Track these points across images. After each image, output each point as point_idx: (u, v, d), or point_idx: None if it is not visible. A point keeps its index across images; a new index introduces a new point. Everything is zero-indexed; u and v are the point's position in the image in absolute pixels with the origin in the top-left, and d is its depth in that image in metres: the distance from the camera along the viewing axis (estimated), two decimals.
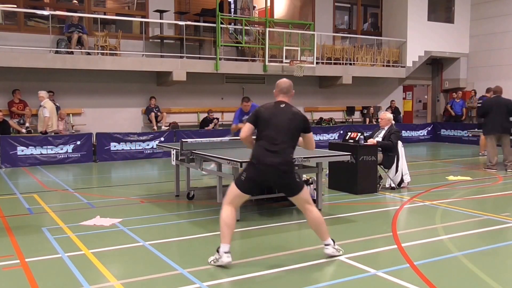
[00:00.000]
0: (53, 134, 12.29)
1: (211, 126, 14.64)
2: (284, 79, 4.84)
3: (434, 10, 18.30)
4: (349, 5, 19.05)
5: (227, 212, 4.55)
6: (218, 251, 4.51)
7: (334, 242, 4.76)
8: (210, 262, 4.53)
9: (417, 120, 19.72)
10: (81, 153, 12.51)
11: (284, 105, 4.67)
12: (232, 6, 16.73)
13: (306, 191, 4.70)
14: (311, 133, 4.75)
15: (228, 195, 4.62)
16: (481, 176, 10.14)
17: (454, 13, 18.65)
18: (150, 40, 14.71)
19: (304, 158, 6.25)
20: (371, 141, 8.32)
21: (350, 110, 18.26)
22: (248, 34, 15.46)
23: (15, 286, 4.13)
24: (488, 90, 12.78)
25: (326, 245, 4.71)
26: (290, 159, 4.60)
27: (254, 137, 4.69)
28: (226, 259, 4.44)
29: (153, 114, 14.19)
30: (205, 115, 14.97)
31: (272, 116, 4.60)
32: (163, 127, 14.31)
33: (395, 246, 5.15)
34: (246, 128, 4.65)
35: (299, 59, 14.93)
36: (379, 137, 8.55)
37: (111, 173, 11.27)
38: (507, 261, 4.78)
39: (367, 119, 17.88)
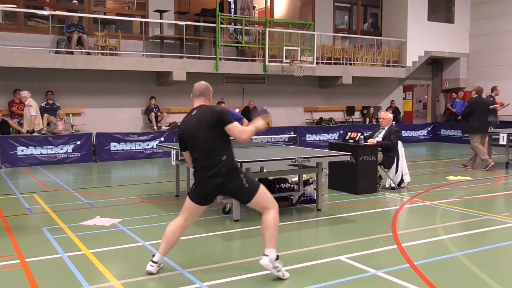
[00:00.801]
0: (41, 133, 12.36)
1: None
2: (197, 83, 4.45)
3: (434, 10, 18.29)
4: (349, 5, 19.05)
5: (173, 223, 4.44)
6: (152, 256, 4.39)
7: (278, 258, 4.20)
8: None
9: (417, 120, 19.72)
10: (81, 153, 12.51)
11: (195, 111, 4.26)
12: (232, 6, 16.74)
13: (262, 195, 4.24)
14: (232, 123, 4.11)
15: (184, 205, 4.47)
16: (481, 176, 10.14)
17: (454, 13, 18.64)
18: (150, 40, 14.71)
19: (304, 158, 6.25)
20: (371, 141, 8.32)
21: (350, 110, 18.26)
22: (248, 34, 15.46)
23: (15, 286, 4.13)
24: (492, 90, 12.89)
25: (265, 255, 4.18)
26: (226, 167, 4.12)
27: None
28: (148, 267, 4.31)
29: (153, 114, 14.19)
30: None
31: (188, 129, 4.24)
32: (163, 127, 14.31)
33: (395, 246, 5.15)
34: (185, 156, 4.50)
35: (299, 59, 14.93)
36: (379, 137, 8.55)
37: (111, 173, 11.27)
38: (507, 261, 4.78)
39: (367, 119, 17.88)
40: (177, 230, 4.38)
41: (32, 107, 12.00)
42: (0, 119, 12.14)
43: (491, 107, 12.05)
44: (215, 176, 4.13)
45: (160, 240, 5.40)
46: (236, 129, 4.11)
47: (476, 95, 11.35)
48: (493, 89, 12.98)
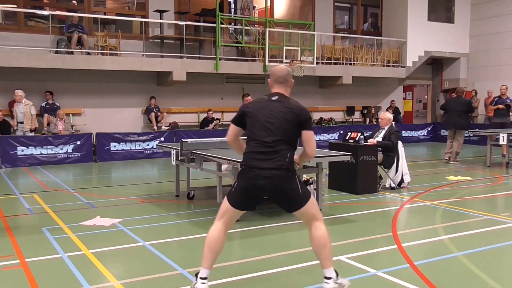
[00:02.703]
0: (41, 132, 12.44)
1: (211, 126, 14.64)
2: (281, 66, 4.00)
3: (434, 10, 18.29)
4: (349, 5, 19.05)
5: (213, 231, 3.82)
6: (196, 276, 3.76)
7: (337, 275, 3.78)
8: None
9: (417, 120, 19.73)
10: (81, 153, 12.51)
11: (277, 97, 3.81)
12: (232, 6, 16.74)
13: (313, 204, 3.81)
14: (311, 131, 3.75)
15: (220, 209, 3.87)
16: (481, 176, 10.14)
17: (454, 13, 18.64)
18: (150, 40, 14.71)
19: None
20: (371, 141, 8.32)
21: (350, 110, 18.26)
22: (248, 34, 15.46)
23: (15, 286, 4.13)
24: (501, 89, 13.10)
25: (326, 278, 3.74)
26: (286, 164, 3.66)
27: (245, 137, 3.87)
28: (200, 286, 3.66)
29: (153, 114, 14.19)
30: (205, 115, 14.97)
31: (260, 112, 3.74)
32: (163, 127, 14.31)
33: (395, 246, 5.15)
34: (230, 130, 3.88)
35: (299, 59, 14.92)
36: (379, 137, 8.55)
37: (111, 173, 11.27)
38: (507, 261, 4.78)
39: (367, 119, 17.88)
40: (218, 236, 3.84)
41: (33, 106, 12.06)
42: (0, 118, 12.15)
43: (492, 107, 12.41)
44: (274, 170, 3.64)
45: (160, 240, 5.42)
46: (312, 138, 3.78)
47: (456, 95, 12.32)
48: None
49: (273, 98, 3.82)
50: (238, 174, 3.82)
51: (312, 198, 3.83)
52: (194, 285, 3.71)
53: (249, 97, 9.47)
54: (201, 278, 3.67)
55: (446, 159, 12.03)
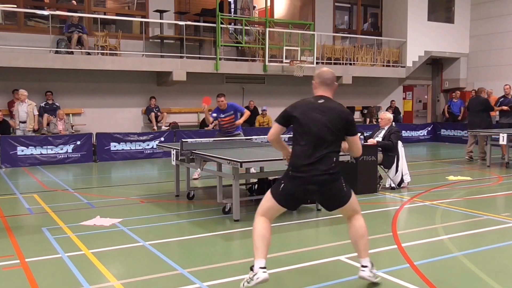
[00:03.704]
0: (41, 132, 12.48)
1: (211, 126, 14.63)
2: (326, 69, 3.97)
3: (434, 10, 18.30)
4: (349, 5, 19.06)
5: (260, 223, 3.82)
6: (252, 269, 3.74)
7: (373, 265, 4.02)
8: (243, 283, 3.75)
9: (417, 120, 19.72)
10: (81, 153, 12.51)
11: (323, 100, 3.83)
12: (232, 6, 16.74)
13: (355, 199, 3.97)
14: (357, 135, 3.89)
15: (262, 205, 3.89)
16: (481, 176, 10.14)
17: (454, 13, 18.65)
18: (150, 40, 14.71)
19: None
20: (371, 141, 8.32)
21: (350, 110, 18.21)
22: (248, 34, 15.46)
23: (15, 286, 4.13)
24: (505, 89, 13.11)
25: (362, 266, 3.96)
26: (334, 166, 3.75)
27: (290, 135, 3.96)
28: (262, 274, 3.66)
29: (153, 114, 14.19)
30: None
31: (308, 115, 3.77)
32: (163, 127, 14.31)
33: (395, 246, 5.15)
34: (273, 129, 3.93)
35: (299, 59, 14.93)
36: (379, 137, 8.55)
37: (111, 173, 11.27)
38: (507, 261, 4.78)
39: (367, 119, 17.88)
40: (268, 228, 3.87)
41: (35, 106, 12.10)
42: (0, 118, 12.15)
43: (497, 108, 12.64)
44: (324, 174, 3.74)
45: (160, 240, 5.42)
46: (359, 142, 3.96)
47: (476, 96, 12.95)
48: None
49: (320, 101, 3.85)
50: (285, 176, 3.86)
51: (353, 194, 3.98)
52: (253, 277, 3.69)
53: (222, 97, 9.38)
54: (260, 267, 3.70)
55: (467, 158, 12.35)
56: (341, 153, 3.94)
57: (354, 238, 4.01)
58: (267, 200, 3.89)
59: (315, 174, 3.71)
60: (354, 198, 3.95)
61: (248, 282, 3.72)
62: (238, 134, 9.66)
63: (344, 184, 3.86)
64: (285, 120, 3.90)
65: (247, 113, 9.78)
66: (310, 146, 3.74)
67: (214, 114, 9.39)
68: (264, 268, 3.71)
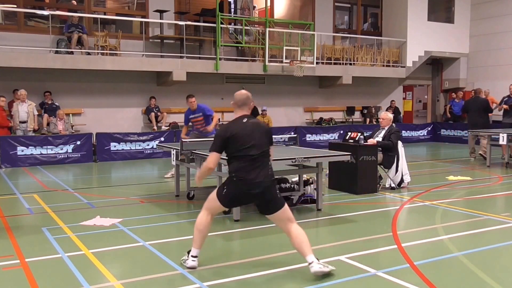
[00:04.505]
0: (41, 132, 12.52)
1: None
2: (241, 91, 4.65)
3: (434, 10, 18.30)
4: (349, 5, 19.06)
5: (202, 217, 4.46)
6: (188, 253, 4.49)
7: (317, 259, 4.29)
8: (181, 261, 4.55)
9: (417, 120, 19.73)
10: (81, 153, 12.51)
11: (246, 119, 4.48)
12: (232, 6, 16.74)
13: (287, 207, 4.43)
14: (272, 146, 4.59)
15: (208, 202, 4.49)
16: (481, 176, 10.14)
17: (454, 13, 18.65)
18: (150, 40, 14.72)
19: (304, 158, 6.25)
20: (371, 141, 8.32)
21: (350, 110, 18.26)
22: (248, 34, 15.47)
23: (15, 286, 4.13)
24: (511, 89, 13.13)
25: (310, 263, 4.22)
26: (271, 171, 4.42)
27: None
28: (190, 262, 4.40)
29: (153, 114, 14.19)
30: None
31: (244, 132, 4.37)
32: (163, 127, 14.32)
33: (395, 246, 5.15)
34: (213, 159, 4.43)
35: (299, 59, 14.93)
36: (379, 137, 8.55)
37: (111, 173, 11.27)
38: (507, 261, 4.78)
39: (367, 119, 17.88)
40: (207, 223, 4.52)
41: (35, 106, 12.14)
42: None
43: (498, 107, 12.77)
44: (266, 179, 4.35)
45: (160, 240, 5.43)
46: None
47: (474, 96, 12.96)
48: None
49: (244, 120, 4.48)
50: (229, 182, 4.40)
51: (286, 204, 4.44)
52: (185, 261, 4.46)
53: (193, 98, 9.50)
54: (192, 256, 4.43)
55: (472, 159, 12.53)
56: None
57: (298, 244, 4.34)
58: (212, 199, 4.52)
59: (259, 179, 4.31)
60: (287, 207, 4.43)
61: (182, 262, 4.52)
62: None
63: (278, 192, 4.42)
64: (222, 145, 4.44)
65: (215, 117, 9.89)
66: (252, 157, 4.34)
67: (187, 113, 9.65)
68: (196, 257, 4.43)
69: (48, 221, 6.31)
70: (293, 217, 4.44)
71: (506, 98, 12.83)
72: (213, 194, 4.48)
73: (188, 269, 4.41)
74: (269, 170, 4.39)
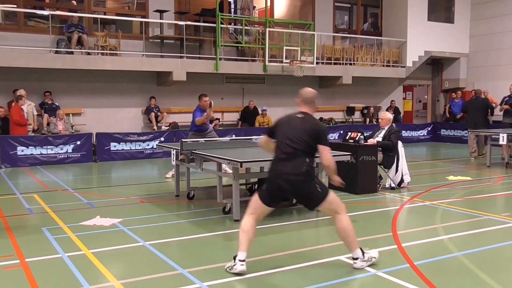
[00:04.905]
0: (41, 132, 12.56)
1: (211, 126, 14.63)
2: (309, 89, 4.63)
3: (434, 10, 18.29)
4: (349, 5, 19.05)
5: (245, 221, 4.45)
6: (234, 258, 4.37)
7: (363, 253, 4.44)
8: (226, 268, 4.39)
9: (417, 120, 19.72)
10: (81, 153, 12.51)
11: (302, 115, 4.47)
12: (232, 6, 16.73)
13: (332, 200, 4.42)
14: (327, 147, 4.40)
15: (250, 205, 4.50)
16: (481, 176, 10.14)
17: (454, 13, 18.64)
18: (150, 40, 14.71)
19: None
20: (371, 141, 8.32)
21: (350, 110, 18.26)
22: (248, 34, 15.46)
23: (15, 286, 4.13)
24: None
25: (354, 258, 4.42)
26: (302, 167, 4.31)
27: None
28: (239, 267, 4.28)
29: (153, 114, 14.19)
30: None
31: (286, 124, 4.46)
32: (163, 127, 14.31)
33: (395, 246, 5.15)
34: (262, 139, 4.68)
35: (299, 59, 14.92)
36: (379, 137, 8.55)
37: (111, 173, 11.27)
38: (507, 261, 4.78)
39: (367, 119, 17.88)
40: (251, 225, 4.52)
41: (34, 106, 12.13)
42: (2, 115, 12.17)
43: (500, 107, 12.87)
44: (291, 173, 4.32)
45: (160, 240, 5.43)
46: (328, 153, 4.42)
47: (474, 96, 13.06)
48: None
49: (298, 116, 4.49)
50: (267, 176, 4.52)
51: (331, 196, 4.44)
52: (232, 267, 4.32)
53: (207, 97, 9.44)
54: (240, 260, 4.30)
55: (472, 159, 12.67)
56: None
57: (341, 236, 4.48)
58: (254, 200, 4.52)
59: (284, 172, 4.36)
60: (331, 199, 4.43)
61: (229, 269, 4.36)
62: (211, 131, 9.87)
63: (317, 186, 4.40)
64: (270, 130, 4.61)
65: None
66: (282, 149, 4.41)
67: (198, 114, 9.59)
68: (243, 261, 4.29)
69: (48, 221, 6.31)
70: (340, 208, 4.44)
71: (507, 98, 12.82)
72: (254, 195, 4.54)
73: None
74: (302, 167, 4.30)
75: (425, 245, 5.25)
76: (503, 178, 9.82)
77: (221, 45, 14.37)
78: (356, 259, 4.40)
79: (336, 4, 18.22)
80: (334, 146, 8.40)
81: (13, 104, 12.04)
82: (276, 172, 4.36)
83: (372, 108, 18.06)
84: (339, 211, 4.43)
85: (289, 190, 4.36)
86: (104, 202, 7.55)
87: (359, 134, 8.23)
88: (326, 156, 4.39)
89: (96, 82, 13.89)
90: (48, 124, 12.82)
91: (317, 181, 4.44)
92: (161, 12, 14.43)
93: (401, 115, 18.84)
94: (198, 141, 8.76)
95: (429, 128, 18.40)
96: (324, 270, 4.45)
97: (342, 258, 4.72)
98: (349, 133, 8.49)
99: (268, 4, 15.55)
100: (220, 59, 14.32)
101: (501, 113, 13.14)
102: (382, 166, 8.53)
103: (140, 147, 13.25)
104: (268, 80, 16.34)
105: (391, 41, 17.98)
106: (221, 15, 14.24)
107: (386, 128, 8.61)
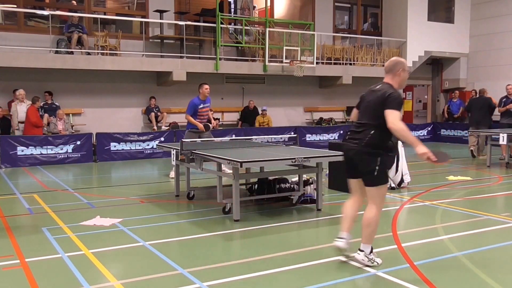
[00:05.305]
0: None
1: (211, 126, 14.61)
2: (392, 58, 4.60)
3: (434, 10, 18.29)
4: (349, 5, 19.05)
5: (346, 202, 4.72)
6: (370, 252, 4.52)
7: (371, 251, 4.49)
8: (367, 263, 4.47)
9: (417, 120, 19.72)
10: (81, 153, 12.51)
11: (379, 85, 4.48)
12: (232, 6, 16.73)
13: (380, 193, 4.41)
14: (393, 110, 4.20)
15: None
16: (481, 176, 10.14)
17: (454, 13, 18.64)
18: (150, 40, 14.71)
19: (304, 158, 6.25)
20: None
21: (350, 110, 18.21)
22: (248, 34, 15.46)
23: (15, 286, 4.13)
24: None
25: (360, 250, 4.50)
26: (364, 139, 4.33)
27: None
28: (336, 242, 4.55)
29: (153, 114, 14.19)
30: None
31: (364, 96, 4.58)
32: (163, 127, 14.31)
33: (395, 246, 5.15)
34: (353, 112, 4.79)
35: (299, 59, 14.92)
36: None
37: (111, 173, 11.27)
38: (507, 261, 4.78)
39: None
40: (350, 206, 4.69)
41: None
42: (0, 115, 12.17)
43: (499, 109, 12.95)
44: (355, 144, 4.42)
45: (160, 240, 5.43)
46: (394, 116, 4.22)
47: (477, 95, 13.39)
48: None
49: (376, 87, 4.51)
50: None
51: (381, 187, 4.40)
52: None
53: (207, 85, 9.55)
54: (337, 237, 4.57)
55: (472, 155, 12.93)
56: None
57: (362, 225, 4.51)
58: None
59: (349, 143, 4.56)
60: (379, 190, 4.39)
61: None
62: (209, 133, 9.88)
63: (375, 166, 4.29)
64: (357, 104, 4.72)
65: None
66: (355, 123, 4.65)
67: (196, 102, 9.46)
68: (340, 238, 4.54)
69: (48, 221, 6.31)
70: (380, 204, 4.46)
71: (505, 99, 12.81)
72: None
73: (187, 270, 4.38)
74: (364, 138, 4.34)
75: (425, 245, 5.25)
76: (503, 178, 9.82)
77: (221, 45, 14.37)
78: (362, 251, 4.47)
79: (336, 4, 18.22)
80: (334, 146, 8.45)
81: (28, 106, 12.13)
82: (346, 143, 4.53)
83: None
84: (377, 205, 4.43)
85: (350, 161, 4.49)
86: (104, 202, 7.55)
87: None
88: (389, 119, 4.19)
89: (96, 82, 13.89)
90: (48, 124, 12.82)
91: (378, 163, 4.30)
92: (161, 12, 14.43)
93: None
94: (197, 141, 8.75)
95: (429, 128, 18.41)
96: (324, 270, 4.45)
97: (342, 258, 4.71)
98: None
99: (268, 4, 15.55)
100: (220, 59, 14.32)
101: (499, 113, 13.12)
102: None
103: (140, 147, 13.25)
104: (268, 80, 16.33)
105: (391, 41, 17.98)
106: (221, 15, 14.24)
107: None
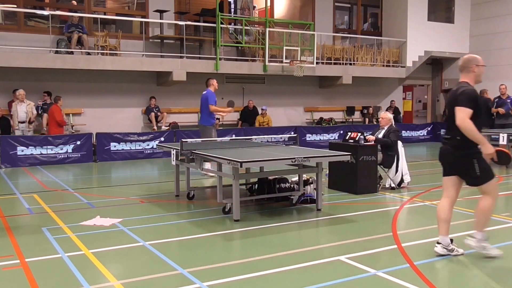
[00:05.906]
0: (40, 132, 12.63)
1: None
2: (464, 56, 4.67)
3: (434, 10, 18.29)
4: (349, 5, 19.05)
5: (439, 204, 4.82)
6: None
7: (484, 239, 4.65)
8: (481, 248, 4.64)
9: (417, 120, 19.72)
10: (81, 153, 12.51)
11: (456, 86, 4.53)
12: (232, 6, 16.73)
13: (490, 187, 4.57)
14: (462, 108, 4.32)
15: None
16: None
17: (454, 13, 18.64)
18: (150, 40, 14.71)
19: (304, 158, 6.25)
20: (369, 138, 8.31)
21: (350, 110, 18.26)
22: (248, 34, 15.46)
23: (15, 286, 4.13)
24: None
25: (470, 236, 4.71)
26: (453, 141, 4.48)
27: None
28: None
29: (153, 114, 14.19)
30: None
31: (447, 100, 4.70)
32: (163, 127, 14.31)
33: (395, 246, 5.15)
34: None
35: (299, 59, 14.92)
36: (379, 137, 8.54)
37: (111, 173, 11.27)
38: (507, 261, 4.78)
39: (367, 119, 17.88)
40: (442, 208, 4.79)
41: (34, 106, 12.18)
42: (0, 115, 12.18)
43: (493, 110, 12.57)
44: (448, 146, 4.58)
45: (160, 240, 5.43)
46: (460, 113, 4.32)
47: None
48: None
49: (453, 89, 4.55)
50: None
51: (491, 183, 4.55)
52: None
53: (214, 80, 10.36)
54: (437, 242, 4.73)
55: None
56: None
57: (475, 213, 4.74)
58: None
59: (443, 146, 4.72)
60: (490, 185, 4.55)
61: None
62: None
63: (476, 166, 4.42)
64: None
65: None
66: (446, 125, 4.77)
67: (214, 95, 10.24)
68: (439, 243, 4.70)
69: (48, 221, 6.31)
70: (494, 195, 4.62)
71: (497, 99, 12.82)
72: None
73: (187, 270, 4.38)
74: (452, 140, 4.48)
75: (425, 245, 5.25)
76: (503, 178, 9.82)
77: (221, 45, 14.37)
78: (473, 238, 4.66)
79: (336, 4, 18.22)
80: (334, 146, 8.46)
81: (53, 104, 12.26)
82: (442, 145, 4.69)
83: (372, 108, 18.07)
84: (491, 196, 4.59)
85: (450, 163, 4.60)
86: (104, 202, 7.55)
87: (359, 134, 8.24)
88: (457, 116, 4.32)
89: (96, 82, 13.89)
90: (48, 124, 12.81)
91: (475, 160, 4.41)
92: (161, 12, 14.43)
93: (401, 115, 18.84)
94: (198, 141, 8.75)
95: (429, 128, 18.41)
96: (324, 270, 4.45)
97: (342, 258, 4.72)
98: (349, 133, 8.49)
99: (268, 4, 15.56)
100: (220, 59, 14.32)
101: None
102: (382, 166, 8.53)
103: (140, 147, 13.25)
104: (268, 80, 16.33)
105: (391, 41, 17.98)
106: (221, 15, 14.24)
107: (386, 127, 8.61)
